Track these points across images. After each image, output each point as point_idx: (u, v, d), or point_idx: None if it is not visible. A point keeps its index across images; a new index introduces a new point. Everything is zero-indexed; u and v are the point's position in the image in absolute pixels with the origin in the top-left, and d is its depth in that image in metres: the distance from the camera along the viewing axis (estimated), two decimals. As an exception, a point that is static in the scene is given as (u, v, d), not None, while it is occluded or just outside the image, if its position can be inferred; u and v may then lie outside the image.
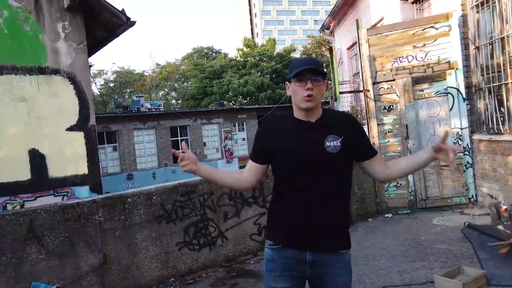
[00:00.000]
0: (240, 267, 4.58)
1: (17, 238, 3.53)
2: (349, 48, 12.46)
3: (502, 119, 5.35)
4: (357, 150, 1.82)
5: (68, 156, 7.76)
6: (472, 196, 6.05)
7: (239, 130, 23.56)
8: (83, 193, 7.69)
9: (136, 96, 26.24)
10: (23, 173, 7.19)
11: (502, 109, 5.37)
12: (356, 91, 9.65)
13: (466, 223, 4.79)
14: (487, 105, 5.72)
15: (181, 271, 4.41)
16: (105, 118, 18.87)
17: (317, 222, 1.74)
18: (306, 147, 1.76)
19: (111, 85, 40.11)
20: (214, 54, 46.66)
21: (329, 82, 8.57)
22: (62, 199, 7.26)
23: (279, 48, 38.75)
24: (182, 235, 4.47)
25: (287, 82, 1.84)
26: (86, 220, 3.89)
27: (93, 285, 3.86)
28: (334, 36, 14.06)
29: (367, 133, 6.76)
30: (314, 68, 1.74)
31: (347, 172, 1.84)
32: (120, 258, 4.04)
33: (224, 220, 4.77)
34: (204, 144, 22.09)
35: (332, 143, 1.75)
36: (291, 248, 1.77)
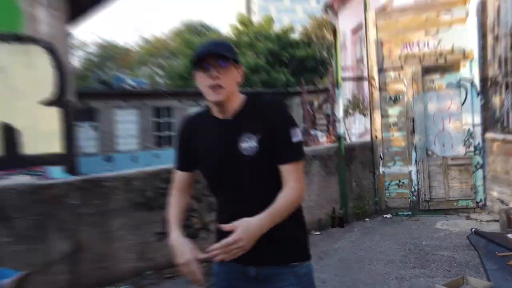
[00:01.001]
0: (225, 263, 4.52)
1: (-19, 219, 3.44)
2: (354, 31, 12.34)
3: (518, 117, 5.32)
4: (273, 149, 1.56)
5: (43, 133, 7.61)
6: (481, 200, 6.04)
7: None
8: (58, 173, 7.57)
9: (119, 72, 25.92)
10: (-5, 149, 7.03)
11: (518, 106, 5.34)
12: (359, 78, 9.56)
13: (473, 229, 4.77)
14: (503, 101, 5.67)
15: (159, 263, 4.35)
16: (84, 94, 18.58)
17: None
18: (219, 151, 1.60)
19: (93, 59, 39.53)
20: (205, 30, 46.17)
21: (330, 67, 8.49)
22: (36, 179, 7.14)
23: (276, 28, 38.43)
24: (163, 225, 4.39)
25: (193, 71, 1.62)
26: (60, 203, 3.87)
27: (64, 273, 3.85)
28: (337, 17, 13.91)
29: (368, 124, 6.74)
30: (215, 52, 1.52)
31: (272, 175, 1.58)
32: (94, 246, 4.01)
33: (209, 211, 4.70)
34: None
35: (248, 144, 1.55)
36: (233, 261, 1.55)
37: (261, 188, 1.57)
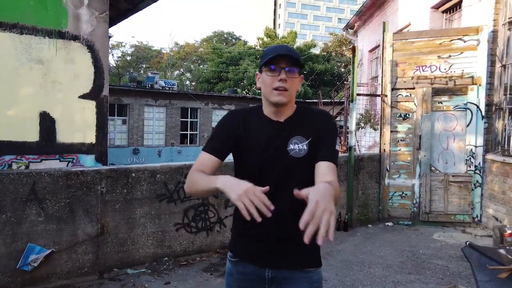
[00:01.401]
0: (235, 256, 4.57)
1: (18, 198, 3.54)
2: (371, 51, 12.29)
3: (519, 142, 5.24)
4: (319, 149, 1.53)
5: (78, 124, 7.79)
6: (477, 216, 5.96)
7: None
8: (88, 161, 7.73)
9: (151, 73, 26.25)
10: (32, 135, 7.23)
11: (520, 132, 5.26)
12: (373, 95, 9.53)
13: (468, 242, 4.69)
14: (505, 126, 5.60)
15: (176, 251, 4.42)
16: (118, 91, 18.92)
17: (277, 235, 1.51)
18: (267, 150, 1.53)
19: (128, 58, 40.15)
20: (234, 40, 46.42)
21: (347, 82, 8.46)
22: (67, 165, 7.31)
23: (299, 42, 38.43)
24: (181, 217, 4.47)
25: (257, 72, 1.58)
26: (89, 189, 3.89)
27: (88, 254, 3.89)
28: (357, 36, 13.87)
29: (377, 138, 6.71)
30: (290, 55, 1.46)
31: (313, 180, 1.50)
32: (117, 230, 4.06)
33: (225, 207, 4.76)
34: (213, 128, 22.11)
35: (297, 146, 1.52)
36: (249, 262, 1.57)
37: (300, 188, 1.40)
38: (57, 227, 3.72)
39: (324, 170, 1.47)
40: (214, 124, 22.10)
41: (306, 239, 1.11)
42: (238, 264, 1.59)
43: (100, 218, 3.95)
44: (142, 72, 39.91)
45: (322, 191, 1.22)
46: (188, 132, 21.54)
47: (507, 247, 4.39)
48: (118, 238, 4.07)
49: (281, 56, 1.47)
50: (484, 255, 4.16)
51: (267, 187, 1.28)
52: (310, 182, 1.47)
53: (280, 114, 1.56)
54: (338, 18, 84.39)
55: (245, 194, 1.23)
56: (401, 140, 6.32)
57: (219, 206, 4.72)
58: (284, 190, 1.46)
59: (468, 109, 6.00)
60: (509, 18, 5.55)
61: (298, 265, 1.55)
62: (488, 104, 5.93)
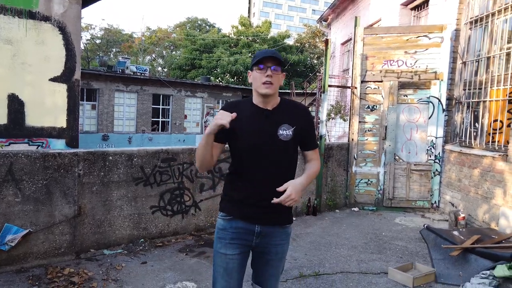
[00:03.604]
0: (209, 238, 4.77)
1: (-5, 179, 3.57)
2: (343, 44, 12.61)
3: (475, 134, 5.67)
4: (304, 141, 2.04)
5: (48, 107, 7.69)
6: (435, 202, 6.41)
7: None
8: (59, 146, 7.65)
9: (122, 57, 25.66)
10: (0, 117, 7.11)
11: (476, 124, 5.68)
12: (344, 87, 9.87)
13: (425, 225, 5.12)
14: (463, 119, 6.03)
15: (151, 233, 4.57)
16: (87, 75, 18.44)
17: (266, 200, 1.89)
18: (260, 133, 1.93)
19: (98, 41, 39.01)
20: (207, 27, 45.92)
21: (319, 74, 8.72)
22: (37, 149, 7.22)
23: (274, 32, 38.51)
24: (157, 200, 4.60)
25: (249, 71, 2.00)
26: (66, 171, 3.96)
27: (65, 235, 3.97)
28: (330, 29, 14.16)
29: (347, 128, 7.04)
30: (274, 57, 1.90)
31: (294, 158, 2.04)
32: (94, 212, 4.15)
33: (200, 191, 4.93)
34: (185, 116, 21.97)
35: (285, 132, 1.94)
36: (242, 220, 1.99)
37: (285, 166, 2.00)
38: (34, 208, 3.78)
39: (311, 156, 2.09)
40: (187, 112, 22.01)
41: (274, 201, 1.85)
42: (231, 221, 2.01)
43: (77, 200, 4.03)
44: (112, 56, 38.90)
45: (297, 187, 1.86)
46: (160, 119, 21.35)
47: (460, 229, 4.82)
48: (95, 220, 4.17)
49: (267, 57, 1.91)
50: (440, 236, 4.57)
51: (235, 114, 1.86)
52: (291, 161, 2.04)
53: (267, 103, 1.97)
54: (313, 9, 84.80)
55: (220, 116, 1.85)
56: (368, 130, 6.67)
57: (194, 190, 4.88)
58: (272, 167, 1.95)
59: (431, 102, 6.40)
60: (470, 18, 5.93)
61: (279, 222, 2.03)
62: (449, 98, 6.34)
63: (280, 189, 1.85)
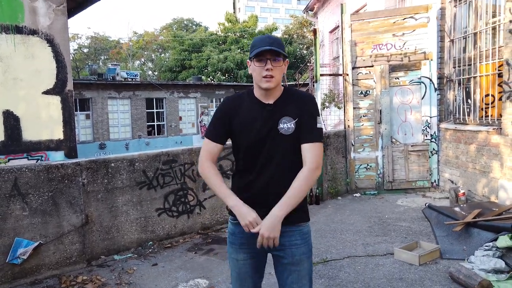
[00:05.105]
0: (216, 235, 4.84)
1: (1, 195, 3.62)
2: (331, 31, 12.66)
3: (468, 110, 5.76)
4: (301, 131, 1.82)
5: (44, 120, 7.70)
6: (435, 180, 6.51)
7: (216, 106, 23.51)
8: (58, 158, 7.68)
9: (111, 64, 25.62)
10: (-4, 134, 7.12)
11: (469, 100, 5.77)
12: (335, 75, 9.93)
13: (427, 204, 5.21)
14: (455, 96, 6.12)
15: (159, 235, 4.64)
16: (79, 84, 18.40)
17: (273, 198, 1.76)
18: (261, 128, 1.80)
19: (85, 50, 38.85)
20: (194, 26, 45.77)
21: (310, 64, 8.78)
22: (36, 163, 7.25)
23: (260, 26, 38.43)
24: (162, 202, 4.67)
25: (248, 60, 1.86)
26: (70, 181, 4.01)
27: (75, 244, 4.03)
28: (317, 18, 14.19)
29: (342, 116, 7.09)
30: (274, 49, 1.74)
31: (299, 153, 1.83)
32: (101, 219, 4.21)
33: (203, 190, 5.00)
34: (180, 118, 22.00)
35: (286, 125, 1.80)
36: None
37: (288, 161, 1.82)
38: (42, 220, 3.84)
39: (305, 153, 1.81)
40: (181, 114, 22.02)
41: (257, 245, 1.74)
42: (239, 225, 1.83)
43: (84, 208, 4.09)
44: (101, 64, 38.77)
45: (269, 225, 1.70)
46: (155, 123, 21.36)
47: (461, 205, 4.92)
48: (103, 227, 4.23)
49: (266, 49, 1.74)
50: (442, 213, 4.67)
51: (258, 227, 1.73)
52: (295, 152, 1.83)
53: (269, 97, 1.84)
54: (297, 0, 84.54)
55: (250, 224, 1.73)
56: (363, 116, 6.74)
57: (197, 190, 4.95)
58: (277, 163, 1.82)
59: (422, 82, 6.48)
60: (454, -4, 6.00)
61: (291, 222, 1.81)
62: (440, 77, 6.42)
63: (254, 230, 1.71)
